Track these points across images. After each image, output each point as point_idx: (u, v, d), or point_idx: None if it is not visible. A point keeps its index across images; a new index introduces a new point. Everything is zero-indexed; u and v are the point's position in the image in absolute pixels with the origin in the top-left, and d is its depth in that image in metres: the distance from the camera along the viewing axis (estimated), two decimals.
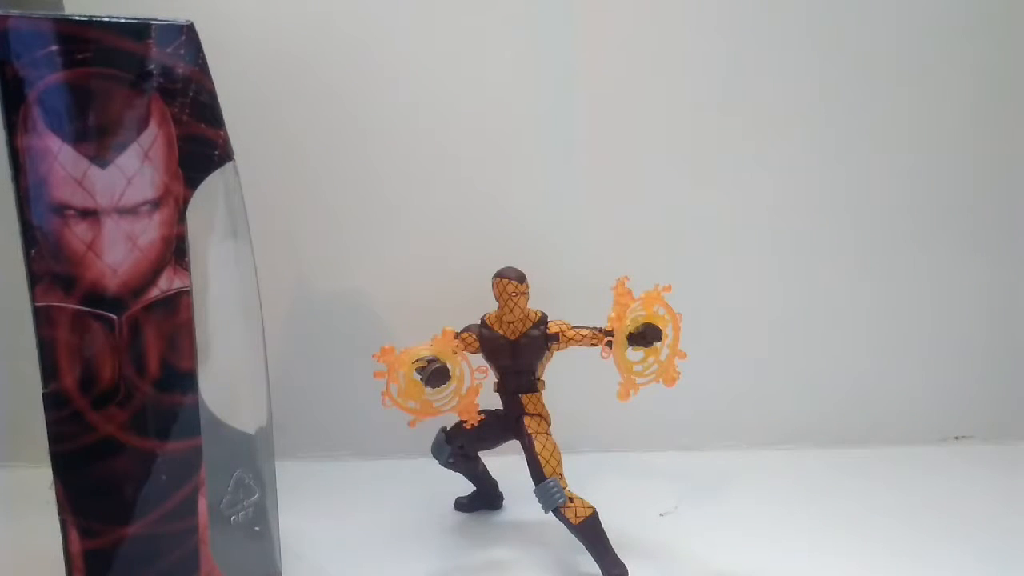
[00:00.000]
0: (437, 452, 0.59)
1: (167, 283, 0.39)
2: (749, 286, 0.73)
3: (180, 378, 0.40)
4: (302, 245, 0.70)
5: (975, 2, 0.70)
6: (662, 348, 0.52)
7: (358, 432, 0.72)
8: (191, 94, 0.38)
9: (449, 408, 0.53)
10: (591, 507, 0.52)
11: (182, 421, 0.40)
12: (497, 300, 0.54)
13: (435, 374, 0.52)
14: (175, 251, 0.39)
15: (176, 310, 0.39)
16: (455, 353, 0.52)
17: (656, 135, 0.70)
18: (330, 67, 0.68)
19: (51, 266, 0.36)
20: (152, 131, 0.38)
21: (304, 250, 0.70)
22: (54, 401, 0.37)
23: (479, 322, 0.56)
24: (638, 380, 0.52)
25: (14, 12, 0.35)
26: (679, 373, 0.52)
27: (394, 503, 0.64)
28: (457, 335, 0.54)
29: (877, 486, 0.67)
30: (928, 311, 0.75)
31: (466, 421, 0.53)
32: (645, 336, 0.52)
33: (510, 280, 0.53)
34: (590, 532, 0.52)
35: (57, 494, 0.38)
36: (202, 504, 0.41)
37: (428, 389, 0.52)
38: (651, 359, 0.52)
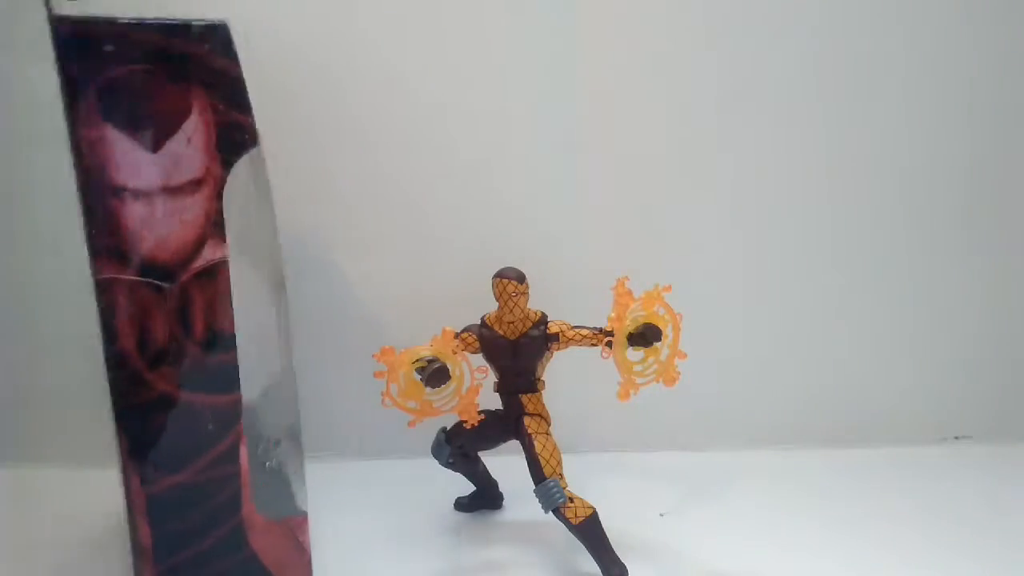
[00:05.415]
0: (437, 452, 0.59)
1: (210, 254, 0.43)
2: (749, 286, 0.73)
3: (222, 338, 0.44)
4: (301, 244, 0.70)
5: (973, 2, 0.70)
6: (662, 348, 0.52)
7: (358, 432, 0.72)
8: (226, 85, 0.42)
9: (449, 408, 0.53)
10: (591, 507, 0.52)
11: (225, 377, 0.45)
12: (497, 300, 0.54)
13: (435, 374, 0.52)
14: (215, 225, 0.43)
15: (217, 278, 0.43)
16: (455, 353, 0.52)
17: (656, 135, 0.70)
18: (331, 67, 0.68)
19: (109, 241, 0.41)
20: (194, 119, 0.42)
21: (303, 249, 0.70)
22: (116, 362, 0.42)
23: (479, 322, 0.56)
24: (638, 380, 0.52)
25: (73, 15, 0.39)
26: (679, 373, 0.52)
27: (394, 503, 0.64)
28: (457, 335, 0.54)
29: (876, 486, 0.67)
30: (927, 311, 0.75)
31: (466, 421, 0.53)
32: (645, 336, 0.51)
33: (510, 280, 0.53)
34: (590, 532, 0.52)
35: (120, 444, 0.43)
36: (243, 452, 0.46)
37: (428, 389, 0.52)
38: (651, 359, 0.52)
